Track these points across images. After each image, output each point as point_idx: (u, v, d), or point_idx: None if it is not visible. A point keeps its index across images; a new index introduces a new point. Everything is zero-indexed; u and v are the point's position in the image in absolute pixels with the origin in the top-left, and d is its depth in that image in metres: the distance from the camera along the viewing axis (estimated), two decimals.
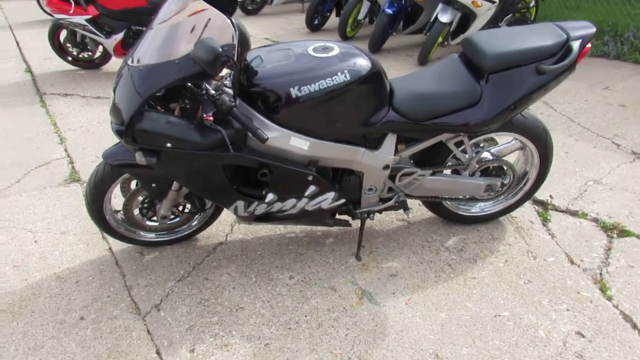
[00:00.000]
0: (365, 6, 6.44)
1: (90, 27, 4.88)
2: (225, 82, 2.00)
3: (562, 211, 2.74)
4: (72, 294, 2.24)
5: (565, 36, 2.07)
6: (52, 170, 3.35)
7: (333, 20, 7.18)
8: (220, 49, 1.63)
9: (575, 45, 2.05)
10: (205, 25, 1.77)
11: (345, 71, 1.92)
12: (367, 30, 6.36)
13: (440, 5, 5.28)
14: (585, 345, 1.90)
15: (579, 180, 3.03)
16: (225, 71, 2.00)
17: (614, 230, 2.54)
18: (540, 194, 2.86)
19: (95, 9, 4.84)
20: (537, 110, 4.09)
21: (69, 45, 5.33)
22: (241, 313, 2.11)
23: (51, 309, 2.15)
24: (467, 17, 5.33)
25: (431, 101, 2.07)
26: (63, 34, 5.26)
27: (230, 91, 1.92)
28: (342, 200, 2.20)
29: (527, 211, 2.73)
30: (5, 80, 5.26)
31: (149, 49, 1.83)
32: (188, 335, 2.00)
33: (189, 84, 1.84)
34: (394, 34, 6.16)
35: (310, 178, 2.06)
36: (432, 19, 5.35)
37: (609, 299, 2.12)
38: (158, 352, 1.94)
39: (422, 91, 2.10)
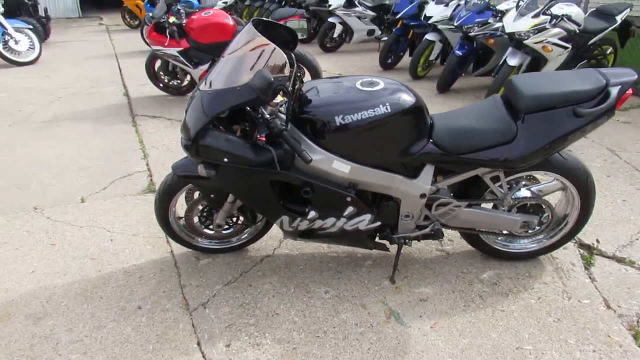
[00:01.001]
0: (437, 47, 6.61)
1: (181, 58, 5.45)
2: (280, 108, 2.26)
3: (608, 257, 2.70)
4: (135, 286, 2.54)
5: (605, 81, 2.14)
6: (133, 181, 3.79)
7: (406, 59, 7.41)
8: (273, 79, 1.88)
9: (614, 90, 2.11)
10: (265, 59, 2.04)
11: (387, 104, 2.11)
12: (438, 71, 6.50)
13: (509, 49, 5.34)
14: None
15: (632, 228, 2.96)
16: (280, 98, 2.26)
17: None
18: (587, 238, 2.84)
19: (187, 42, 5.42)
20: (600, 156, 4.02)
21: (161, 73, 5.95)
22: (276, 318, 2.30)
23: (116, 297, 2.47)
24: (537, 62, 5.34)
25: (468, 136, 2.21)
26: (158, 64, 5.90)
27: (284, 116, 2.17)
28: (378, 223, 2.35)
29: (570, 253, 2.72)
30: (106, 102, 5.97)
31: (218, 77, 2.13)
32: (226, 332, 2.22)
33: (248, 108, 2.11)
34: (463, 75, 6.26)
35: (349, 199, 2.24)
36: (501, 62, 5.42)
37: None
38: (198, 343, 2.17)
39: (460, 126, 2.24)
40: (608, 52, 6.02)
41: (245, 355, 2.10)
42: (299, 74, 2.22)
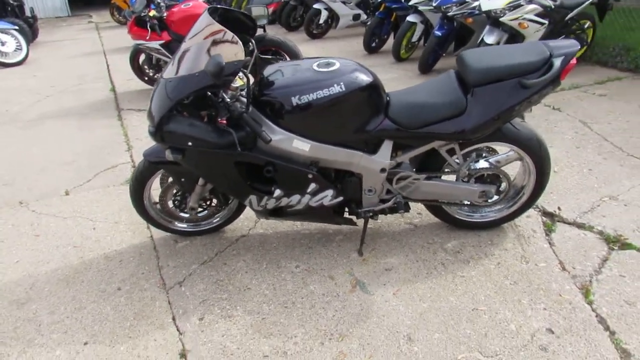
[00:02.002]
0: (419, 28, 6.66)
1: (163, 51, 5.52)
2: (242, 92, 2.36)
3: (568, 223, 2.81)
4: (115, 269, 2.66)
5: (549, 53, 2.23)
6: (117, 172, 3.90)
7: (390, 42, 7.45)
8: (225, 64, 1.98)
9: (557, 61, 2.20)
10: (220, 45, 2.14)
11: (342, 83, 2.21)
12: (421, 52, 6.56)
13: (487, 27, 5.41)
14: (551, 340, 2.01)
15: (595, 196, 3.07)
16: (239, 82, 2.36)
17: (616, 243, 2.58)
18: (550, 206, 2.95)
19: (168, 35, 5.49)
20: (572, 129, 4.11)
21: (146, 67, 6.04)
22: (248, 292, 2.42)
23: (96, 280, 2.59)
24: (514, 39, 5.41)
25: (421, 111, 2.30)
26: (142, 58, 5.98)
27: (245, 99, 2.27)
28: (341, 198, 2.46)
29: (532, 221, 2.83)
30: (93, 97, 6.06)
31: (178, 65, 2.23)
32: (200, 307, 2.35)
33: (209, 93, 2.21)
34: (445, 55, 6.32)
35: (310, 176, 2.35)
36: (479, 41, 5.48)
37: (590, 303, 2.20)
38: (173, 318, 2.29)
39: (415, 102, 2.34)
40: (586, 26, 6.07)
41: (217, 326, 2.22)
42: (275, 58, 2.31)
